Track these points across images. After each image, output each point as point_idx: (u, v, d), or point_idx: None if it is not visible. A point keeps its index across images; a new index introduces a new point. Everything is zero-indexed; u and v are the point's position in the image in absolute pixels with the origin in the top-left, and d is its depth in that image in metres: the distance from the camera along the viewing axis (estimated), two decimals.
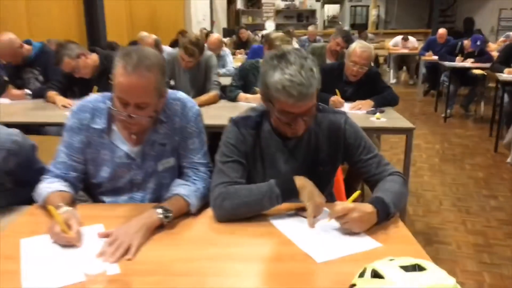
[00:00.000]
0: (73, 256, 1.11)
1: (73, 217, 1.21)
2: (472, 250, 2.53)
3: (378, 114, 2.60)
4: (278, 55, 1.29)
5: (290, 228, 1.26)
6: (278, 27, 13.29)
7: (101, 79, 3.12)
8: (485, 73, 5.35)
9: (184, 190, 1.38)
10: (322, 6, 16.88)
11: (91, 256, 1.08)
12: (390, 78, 9.27)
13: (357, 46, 2.91)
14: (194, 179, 1.44)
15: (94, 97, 1.48)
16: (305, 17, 16.70)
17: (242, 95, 3.08)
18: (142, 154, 1.46)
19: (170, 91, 1.47)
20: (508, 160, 4.01)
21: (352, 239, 1.19)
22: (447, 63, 5.80)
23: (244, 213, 1.31)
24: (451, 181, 3.61)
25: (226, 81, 3.58)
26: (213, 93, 3.11)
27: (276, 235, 1.24)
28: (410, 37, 9.11)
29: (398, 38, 9.27)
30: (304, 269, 1.07)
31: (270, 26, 12.41)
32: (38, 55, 3.36)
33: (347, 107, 2.80)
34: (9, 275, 1.04)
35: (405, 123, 2.52)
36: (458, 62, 5.78)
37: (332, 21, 17.52)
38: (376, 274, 0.82)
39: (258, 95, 2.79)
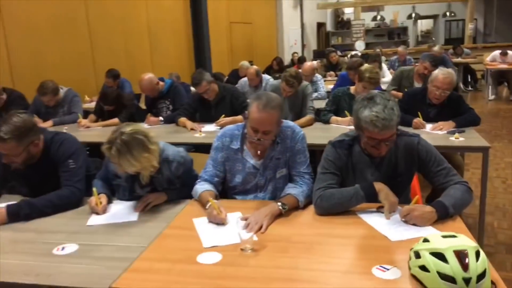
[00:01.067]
0: (229, 229, 1.74)
1: (221, 206, 1.85)
2: None
3: (457, 134, 2.93)
4: (368, 97, 1.82)
5: (371, 219, 1.76)
6: (368, 46, 13.53)
7: (219, 104, 3.90)
8: None
9: (295, 191, 1.95)
10: (415, 22, 16.66)
11: (240, 229, 1.68)
12: (489, 94, 9.01)
13: (440, 72, 3.24)
14: (301, 184, 2.01)
15: (231, 127, 2.14)
16: (396, 34, 16.63)
17: (333, 118, 3.61)
18: (264, 165, 2.07)
19: (284, 120, 2.07)
20: None
21: (417, 228, 1.64)
22: None
23: (337, 209, 1.84)
24: None
25: (318, 104, 4.15)
26: (309, 117, 3.69)
27: (361, 223, 1.74)
28: (510, 51, 8.80)
29: (496, 52, 9.00)
30: (382, 244, 1.56)
31: (360, 46, 12.71)
32: (168, 89, 4.25)
33: (428, 128, 3.16)
34: (193, 238, 1.69)
35: (481, 142, 2.82)
36: None
37: (425, 36, 17.17)
38: (425, 240, 1.30)
39: (347, 118, 3.35)
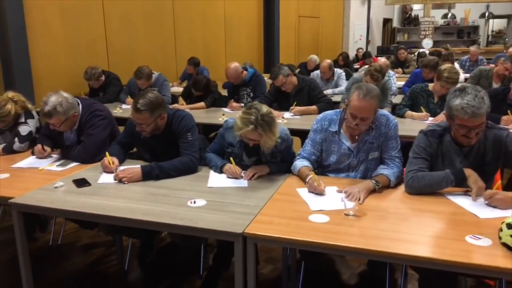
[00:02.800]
0: (332, 197, 2.03)
1: (320, 179, 2.13)
2: None
3: None
4: (460, 89, 2.03)
5: (460, 200, 1.97)
6: (435, 44, 13.21)
7: (297, 95, 4.19)
8: None
9: (387, 171, 2.20)
10: (487, 22, 15.95)
11: (344, 198, 1.96)
12: None
13: None
14: (392, 166, 2.25)
15: (330, 112, 2.42)
16: (466, 33, 16.01)
17: (408, 113, 3.78)
18: (358, 148, 2.33)
19: (379, 109, 2.31)
20: None
21: (503, 210, 1.84)
22: None
23: (427, 191, 2.06)
24: None
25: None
26: (386, 110, 3.87)
27: (451, 203, 1.96)
28: None
29: None
30: (472, 220, 1.79)
31: (427, 44, 12.45)
32: (251, 78, 4.60)
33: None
34: (300, 203, 1.99)
35: None
36: None
37: (496, 36, 16.38)
38: None
39: (422, 114, 3.51)
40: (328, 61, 5.77)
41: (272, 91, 4.34)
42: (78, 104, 2.71)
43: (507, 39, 15.34)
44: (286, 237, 1.68)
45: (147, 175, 2.30)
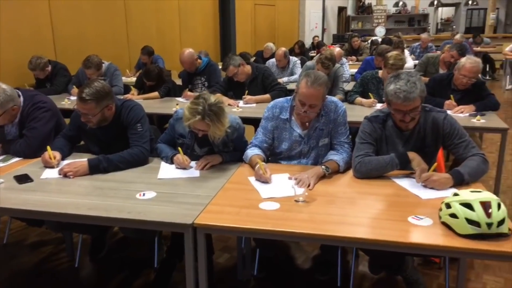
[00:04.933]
0: (282, 184, 2.04)
1: (267, 168, 2.14)
2: None
3: (478, 117, 3.18)
4: (395, 75, 2.11)
5: (404, 182, 2.05)
6: (388, 32, 13.58)
7: (251, 84, 4.18)
8: None
9: (336, 157, 2.25)
10: (436, 10, 16.58)
11: (293, 185, 1.98)
12: (506, 83, 9.13)
13: (467, 62, 3.44)
14: (341, 151, 2.30)
15: (281, 99, 2.43)
16: (417, 21, 16.59)
17: (358, 99, 3.87)
18: (308, 135, 2.36)
19: (328, 96, 2.35)
20: None
21: (443, 191, 1.92)
22: None
23: (374, 174, 2.12)
24: None
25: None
26: (339, 97, 3.95)
27: (395, 185, 2.03)
28: None
29: None
30: (414, 201, 1.86)
31: (380, 32, 12.78)
32: (205, 67, 4.53)
33: (450, 111, 3.40)
34: (251, 191, 2.00)
35: (501, 124, 3.08)
36: None
37: (445, 24, 17.10)
38: (455, 194, 1.59)
39: (370, 100, 3.60)
40: (283, 49, 5.78)
41: (226, 80, 4.31)
42: (19, 96, 2.56)
43: (454, 27, 16.05)
44: (236, 226, 1.68)
45: (94, 169, 2.23)
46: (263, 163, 2.18)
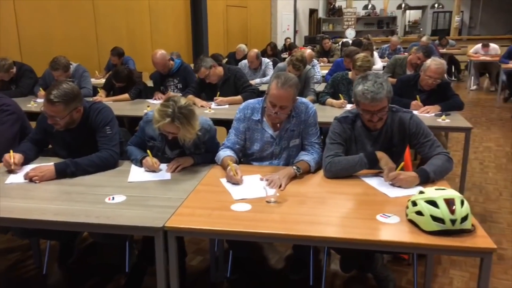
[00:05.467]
0: (254, 185, 2.04)
1: (239, 169, 2.15)
2: None
3: (443, 116, 3.29)
4: (362, 76, 2.16)
5: (373, 181, 2.09)
6: (358, 34, 13.84)
7: (223, 86, 4.17)
8: None
9: (307, 157, 2.27)
10: (404, 13, 17.02)
11: (265, 186, 1.99)
12: (471, 84, 9.46)
13: (433, 63, 3.55)
14: (312, 152, 2.33)
15: (253, 100, 2.43)
16: (386, 23, 16.98)
17: (329, 100, 3.93)
18: (280, 136, 2.38)
19: (298, 97, 2.37)
20: None
21: (409, 189, 1.98)
22: None
23: (343, 174, 2.16)
24: None
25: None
26: (310, 98, 3.99)
27: (364, 184, 2.07)
28: (492, 44, 9.23)
29: (479, 46, 9.40)
30: (382, 199, 1.90)
31: (350, 34, 13.00)
32: (178, 68, 4.49)
33: (416, 111, 3.50)
34: (223, 192, 2.00)
35: (465, 124, 3.19)
36: None
37: (413, 26, 17.57)
38: (420, 192, 1.64)
39: (340, 101, 3.67)
40: (255, 50, 5.81)
41: (198, 82, 4.28)
42: None
43: (421, 29, 16.51)
44: (208, 228, 1.67)
45: (61, 173, 2.17)
46: (235, 164, 2.19)
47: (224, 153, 2.34)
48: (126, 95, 4.41)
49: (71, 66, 4.55)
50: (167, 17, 7.95)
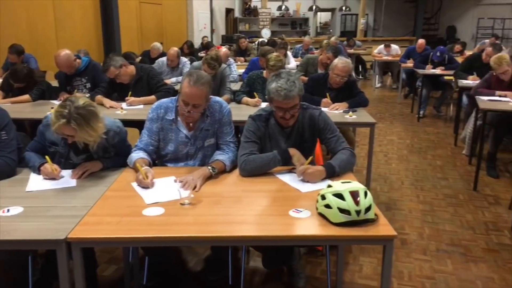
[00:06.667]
0: (167, 188, 1.98)
1: (150, 172, 2.07)
2: (419, 214, 3.43)
3: (350, 113, 3.49)
4: (276, 74, 2.21)
5: (286, 177, 2.14)
6: (273, 34, 14.19)
7: (136, 85, 4.00)
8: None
9: (222, 157, 2.26)
10: (315, 14, 17.82)
11: (179, 188, 1.93)
12: (376, 82, 10.19)
13: (339, 62, 3.75)
14: (227, 151, 2.32)
15: (166, 99, 2.36)
16: (299, 24, 17.65)
17: (244, 99, 3.97)
18: (195, 136, 2.34)
19: (212, 96, 2.35)
20: (463, 152, 4.92)
21: (318, 183, 2.05)
22: (420, 71, 6.73)
23: (258, 172, 2.18)
24: (414, 168, 4.53)
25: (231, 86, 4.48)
26: (226, 97, 3.99)
27: (278, 181, 2.11)
28: (393, 45, 10.04)
29: (382, 46, 10.18)
30: (295, 195, 1.95)
31: (266, 34, 13.29)
32: (86, 67, 4.21)
33: (326, 108, 3.68)
34: (135, 197, 1.91)
35: (370, 119, 3.41)
36: (427, 70, 6.69)
37: (324, 27, 18.48)
38: (329, 185, 1.71)
39: (254, 100, 3.73)
40: (176, 48, 5.72)
41: (109, 81, 4.05)
42: None
43: (331, 30, 17.42)
44: (116, 236, 1.58)
45: None
46: (145, 167, 2.10)
47: (137, 155, 2.23)
48: (26, 96, 4.04)
49: None
50: (74, 12, 7.44)
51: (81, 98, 2.04)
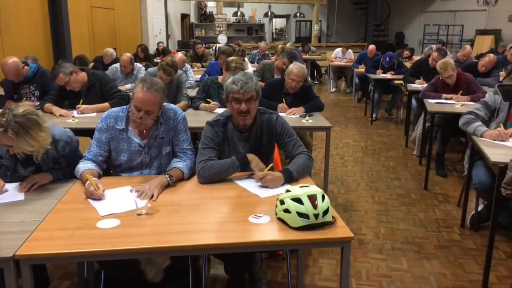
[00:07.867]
0: (123, 198, 1.92)
1: (100, 183, 2.00)
2: (375, 214, 3.53)
3: (307, 117, 3.55)
4: (233, 74, 2.24)
5: (245, 183, 2.14)
6: (229, 39, 14.21)
7: (88, 92, 3.86)
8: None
9: (179, 164, 2.22)
10: (270, 20, 18.05)
11: (135, 198, 1.88)
12: (330, 87, 10.45)
13: (294, 67, 3.82)
14: (185, 158, 2.29)
15: (115, 109, 2.29)
16: (255, 30, 17.79)
17: (202, 105, 3.94)
18: (149, 144, 2.28)
19: (166, 103, 2.30)
20: (414, 152, 5.14)
21: (277, 188, 2.07)
22: (371, 75, 6.98)
23: (217, 178, 2.17)
24: (368, 169, 4.67)
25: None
26: (183, 103, 3.95)
27: (237, 187, 2.11)
28: (349, 50, 10.37)
29: (339, 49, 10.47)
30: (254, 200, 1.95)
31: (222, 39, 13.27)
32: (34, 74, 4.02)
33: (283, 113, 3.72)
34: (88, 209, 1.83)
35: (325, 123, 3.49)
36: (378, 75, 6.96)
37: (279, 33, 18.76)
38: (287, 190, 1.73)
39: (210, 105, 3.72)
40: (128, 54, 5.57)
41: (58, 89, 3.88)
42: None
43: (286, 36, 17.72)
44: (68, 251, 1.51)
45: None
46: (95, 178, 2.03)
47: (84, 166, 2.15)
48: None
49: None
50: (20, 17, 7.08)
51: (22, 106, 1.94)
